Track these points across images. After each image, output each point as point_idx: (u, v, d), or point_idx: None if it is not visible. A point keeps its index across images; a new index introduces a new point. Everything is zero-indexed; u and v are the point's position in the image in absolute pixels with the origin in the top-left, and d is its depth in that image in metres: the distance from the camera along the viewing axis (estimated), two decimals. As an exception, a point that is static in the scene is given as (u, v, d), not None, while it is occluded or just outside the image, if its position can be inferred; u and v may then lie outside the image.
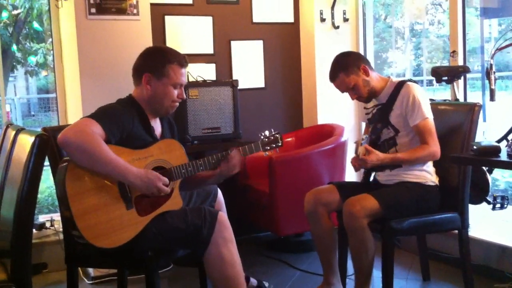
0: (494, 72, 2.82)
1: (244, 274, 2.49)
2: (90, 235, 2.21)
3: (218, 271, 2.37)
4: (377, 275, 2.92)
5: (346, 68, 2.89)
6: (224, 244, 2.36)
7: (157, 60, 2.47)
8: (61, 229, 3.48)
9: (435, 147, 2.79)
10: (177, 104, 2.54)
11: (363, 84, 2.90)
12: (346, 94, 3.03)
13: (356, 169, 2.95)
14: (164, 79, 2.45)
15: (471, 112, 2.86)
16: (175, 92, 2.48)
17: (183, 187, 2.51)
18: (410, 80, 2.93)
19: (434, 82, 3.55)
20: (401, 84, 2.90)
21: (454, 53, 3.64)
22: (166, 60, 2.46)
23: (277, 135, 2.68)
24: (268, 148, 2.66)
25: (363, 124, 4.37)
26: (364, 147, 2.79)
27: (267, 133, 2.68)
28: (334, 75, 2.94)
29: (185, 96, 2.56)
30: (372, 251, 2.75)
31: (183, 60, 2.51)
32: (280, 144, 2.68)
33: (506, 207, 3.17)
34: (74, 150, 2.19)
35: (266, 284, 3.25)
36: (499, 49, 2.90)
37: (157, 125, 2.56)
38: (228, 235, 2.39)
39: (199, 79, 3.94)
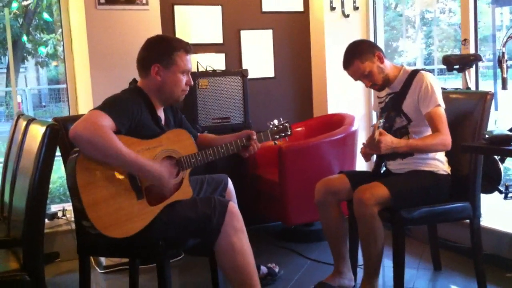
0: (506, 61, 2.80)
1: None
2: (102, 225, 2.22)
3: (229, 261, 2.37)
4: (388, 264, 2.92)
5: (361, 55, 2.87)
6: (235, 234, 2.36)
7: (163, 50, 2.47)
8: (73, 219, 3.49)
9: (446, 136, 2.75)
10: (187, 91, 2.55)
11: (378, 71, 2.88)
12: (358, 83, 3.01)
13: (367, 158, 2.93)
14: (172, 67, 2.45)
15: (483, 100, 2.83)
16: (184, 79, 2.49)
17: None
18: (423, 69, 2.91)
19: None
20: (414, 73, 2.88)
21: (465, 41, 3.61)
22: (172, 48, 2.46)
23: (286, 124, 2.68)
24: (278, 137, 2.66)
25: (374, 113, 4.35)
26: (379, 131, 2.77)
27: (276, 122, 2.68)
28: (349, 62, 2.91)
29: (192, 83, 2.56)
30: (381, 239, 2.74)
31: (188, 46, 2.51)
32: (289, 133, 2.69)
33: (518, 197, 3.15)
34: (86, 145, 2.18)
35: (277, 269, 3.25)
36: (511, 37, 2.87)
37: (161, 115, 2.56)
38: (238, 224, 2.39)
39: (209, 69, 3.94)
